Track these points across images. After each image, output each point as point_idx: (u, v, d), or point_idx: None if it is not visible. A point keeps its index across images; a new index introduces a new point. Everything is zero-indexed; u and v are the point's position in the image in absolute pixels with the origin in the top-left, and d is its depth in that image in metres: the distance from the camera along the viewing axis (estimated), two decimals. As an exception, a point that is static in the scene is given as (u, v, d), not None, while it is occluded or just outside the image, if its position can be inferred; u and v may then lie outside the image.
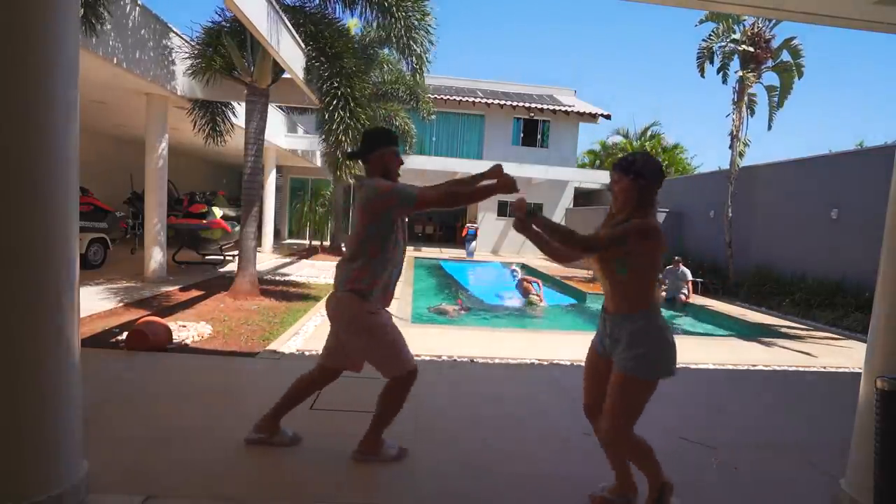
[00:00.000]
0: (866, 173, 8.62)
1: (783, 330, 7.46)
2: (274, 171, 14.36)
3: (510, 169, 2.49)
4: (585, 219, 16.27)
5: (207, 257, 10.13)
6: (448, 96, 18.20)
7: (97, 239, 8.47)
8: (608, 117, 19.19)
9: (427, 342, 5.23)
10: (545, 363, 4.66)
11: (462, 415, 3.10)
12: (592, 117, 19.24)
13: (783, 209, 10.50)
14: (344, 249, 2.33)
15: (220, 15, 7.30)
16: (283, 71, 7.05)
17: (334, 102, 6.51)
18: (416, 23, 7.07)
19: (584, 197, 20.65)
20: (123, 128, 11.21)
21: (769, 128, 11.31)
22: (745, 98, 10.92)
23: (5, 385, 1.82)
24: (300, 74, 6.74)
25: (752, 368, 5.08)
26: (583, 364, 2.35)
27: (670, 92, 70.83)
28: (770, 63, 10.88)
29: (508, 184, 2.34)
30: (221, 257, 10.27)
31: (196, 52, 7.33)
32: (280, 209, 17.86)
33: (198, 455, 2.55)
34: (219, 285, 7.71)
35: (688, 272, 9.75)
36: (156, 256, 7.86)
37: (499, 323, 7.77)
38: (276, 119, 12.80)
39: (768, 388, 4.47)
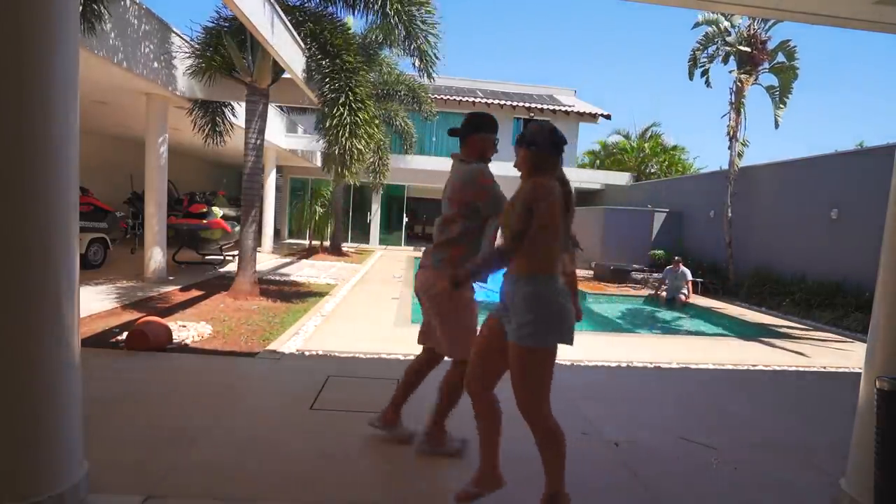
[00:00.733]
0: (866, 173, 8.62)
1: (783, 330, 7.46)
2: (274, 171, 14.37)
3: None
4: (585, 219, 16.26)
5: (207, 257, 10.13)
6: (448, 96, 18.19)
7: (97, 239, 8.47)
8: (608, 117, 19.19)
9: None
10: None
11: (461, 414, 3.10)
12: (592, 117, 19.24)
13: (783, 209, 10.49)
14: (437, 231, 2.41)
15: (220, 14, 7.31)
16: (283, 71, 7.05)
17: (333, 98, 6.49)
18: (420, 24, 7.06)
19: (584, 197, 20.63)
20: (123, 128, 11.21)
21: (776, 126, 11.33)
22: (743, 99, 10.97)
23: (5, 385, 1.82)
24: (300, 74, 6.74)
25: (751, 368, 5.08)
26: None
27: (671, 92, 70.83)
28: (767, 64, 10.94)
29: None
30: (221, 257, 10.28)
31: (196, 52, 7.33)
32: (280, 209, 17.86)
33: (198, 455, 2.55)
34: (219, 285, 7.71)
35: (688, 272, 9.75)
36: (156, 256, 7.86)
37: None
38: (276, 119, 12.80)
39: (768, 388, 4.47)
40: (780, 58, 10.91)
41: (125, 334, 4.46)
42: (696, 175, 16.87)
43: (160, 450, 2.58)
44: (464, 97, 18.56)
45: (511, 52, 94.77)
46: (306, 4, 7.35)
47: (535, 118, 19.01)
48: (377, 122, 7.08)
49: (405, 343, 5.17)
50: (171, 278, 8.07)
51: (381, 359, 4.55)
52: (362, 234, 18.77)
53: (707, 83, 11.71)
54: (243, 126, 7.18)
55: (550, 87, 22.14)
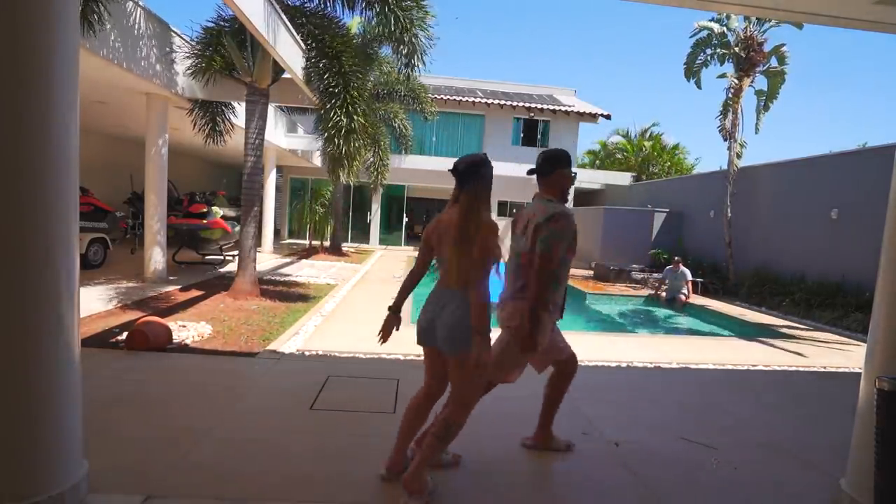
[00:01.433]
0: (866, 173, 8.62)
1: (783, 330, 7.46)
2: (274, 171, 14.36)
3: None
4: (585, 219, 16.26)
5: (207, 257, 10.13)
6: (448, 96, 18.18)
7: (97, 239, 8.47)
8: (608, 117, 19.18)
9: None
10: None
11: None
12: (592, 117, 19.24)
13: (783, 209, 10.50)
14: (514, 264, 2.47)
15: (220, 14, 7.31)
16: (283, 71, 7.05)
17: (332, 101, 6.50)
18: (414, 19, 7.07)
19: (584, 197, 20.64)
20: (123, 128, 11.21)
21: (756, 131, 11.54)
22: (741, 100, 11.00)
23: (5, 385, 1.83)
24: (300, 74, 6.74)
25: (751, 368, 5.08)
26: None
27: (671, 92, 70.81)
28: (762, 67, 11.00)
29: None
30: (221, 257, 10.28)
31: (196, 52, 7.33)
32: (280, 209, 17.86)
33: (198, 455, 2.56)
34: (219, 285, 7.71)
35: (687, 272, 9.75)
36: (156, 256, 7.85)
37: (499, 323, 7.76)
38: (276, 119, 12.80)
39: (768, 388, 4.47)
40: (773, 62, 11.01)
41: (125, 334, 4.46)
42: (696, 175, 16.86)
43: (160, 450, 2.58)
44: (464, 97, 18.55)
45: (511, 52, 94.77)
46: (306, 5, 7.36)
47: (535, 118, 19.03)
48: (376, 122, 7.06)
49: (405, 343, 5.16)
50: (171, 278, 8.07)
51: (381, 359, 4.55)
52: (362, 234, 18.77)
53: (698, 85, 11.97)
54: (243, 126, 7.18)
55: (550, 87, 22.13)
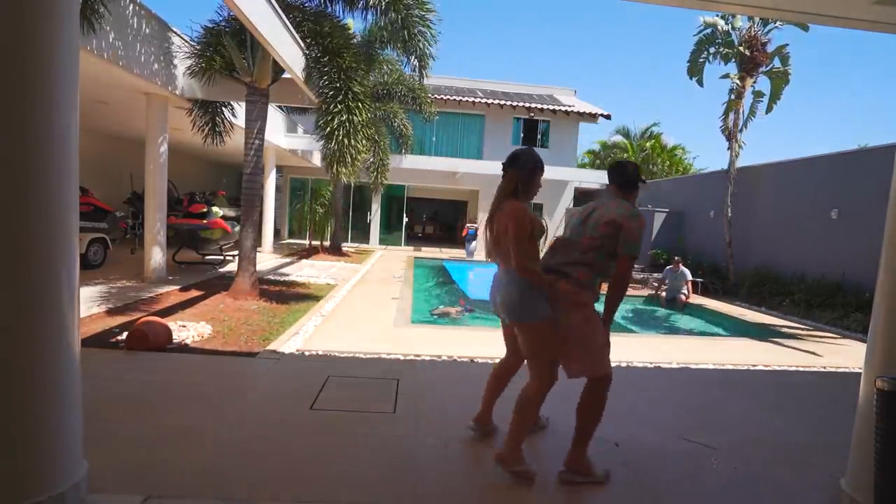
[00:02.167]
0: (866, 173, 8.62)
1: (783, 330, 7.46)
2: (274, 171, 14.36)
3: None
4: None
5: (207, 257, 10.13)
6: (448, 96, 18.18)
7: (97, 239, 8.47)
8: (608, 117, 19.18)
9: (427, 342, 5.23)
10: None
11: (462, 414, 3.11)
12: (592, 117, 19.23)
13: (783, 209, 10.50)
14: (568, 246, 2.51)
15: (220, 14, 7.32)
16: (283, 71, 7.05)
17: (333, 98, 6.48)
18: (418, 20, 7.08)
19: (583, 197, 20.64)
20: (123, 128, 11.21)
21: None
22: (742, 100, 10.99)
23: (5, 385, 1.83)
24: (300, 74, 6.74)
25: (751, 368, 5.08)
26: None
27: (672, 92, 70.81)
28: (765, 67, 10.98)
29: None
30: (221, 257, 10.27)
31: (196, 52, 7.32)
32: (280, 209, 17.85)
33: (198, 455, 2.56)
34: (219, 285, 7.71)
35: (687, 272, 9.74)
36: (156, 256, 7.85)
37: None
38: (276, 119, 12.80)
39: (768, 389, 4.47)
40: (776, 63, 10.98)
41: (125, 334, 4.46)
42: (696, 175, 16.87)
43: (160, 450, 2.58)
44: (464, 97, 18.55)
45: (511, 52, 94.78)
46: (306, 5, 7.35)
47: (535, 118, 19.03)
48: (376, 122, 7.07)
49: (405, 343, 5.17)
50: (171, 278, 8.07)
51: (381, 359, 4.55)
52: (362, 234, 18.77)
53: (700, 83, 11.85)
54: (243, 126, 7.18)
55: (550, 87, 22.13)
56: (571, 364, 2.50)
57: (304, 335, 5.22)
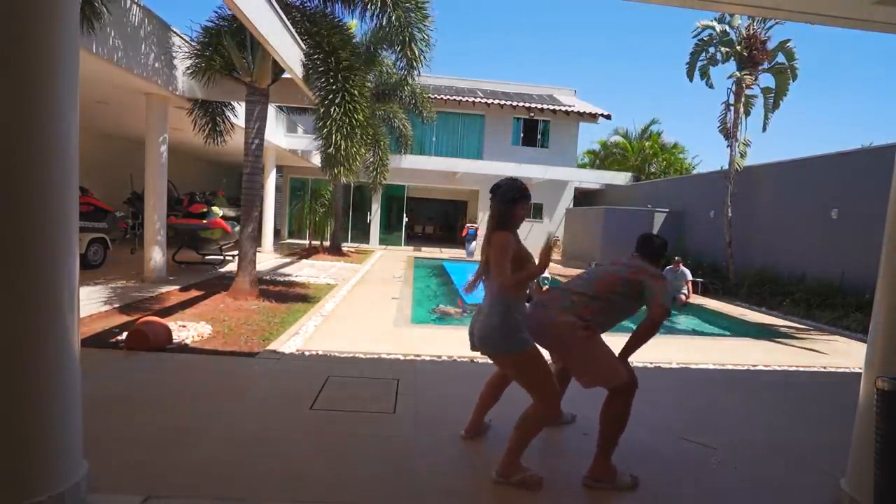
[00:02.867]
0: (866, 173, 8.62)
1: (783, 330, 7.46)
2: (274, 171, 14.36)
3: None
4: (585, 218, 16.26)
5: (207, 257, 10.13)
6: (448, 96, 18.18)
7: (97, 239, 8.47)
8: (608, 117, 19.18)
9: (427, 342, 5.23)
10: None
11: (462, 414, 3.10)
12: (592, 117, 19.23)
13: (783, 209, 10.49)
14: (586, 285, 2.57)
15: (219, 14, 7.31)
16: (283, 71, 7.04)
17: (331, 97, 6.47)
18: (413, 20, 7.07)
19: (583, 197, 20.64)
20: (123, 128, 11.21)
21: (764, 129, 11.38)
22: (743, 99, 10.97)
23: (5, 385, 1.82)
24: (299, 73, 6.73)
25: (751, 368, 5.08)
26: None
27: (672, 91, 70.84)
28: (766, 65, 10.94)
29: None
30: (221, 257, 10.27)
31: (196, 52, 7.32)
32: (280, 209, 17.85)
33: (198, 455, 2.56)
34: (219, 285, 7.71)
35: (687, 272, 9.74)
36: (156, 256, 7.85)
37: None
38: (276, 119, 12.79)
39: (768, 388, 4.47)
40: (780, 58, 10.91)
41: (125, 334, 4.46)
42: (696, 175, 16.86)
43: (160, 450, 2.58)
44: (464, 97, 18.55)
45: (511, 52, 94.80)
46: (306, 4, 7.35)
47: (535, 118, 19.03)
48: (375, 122, 7.05)
49: (405, 343, 5.17)
50: (171, 278, 8.07)
51: (381, 359, 4.55)
52: (362, 234, 18.77)
53: (707, 83, 11.79)
54: (243, 126, 7.17)
55: (550, 87, 22.13)
56: (580, 377, 2.56)
57: (304, 335, 5.22)
